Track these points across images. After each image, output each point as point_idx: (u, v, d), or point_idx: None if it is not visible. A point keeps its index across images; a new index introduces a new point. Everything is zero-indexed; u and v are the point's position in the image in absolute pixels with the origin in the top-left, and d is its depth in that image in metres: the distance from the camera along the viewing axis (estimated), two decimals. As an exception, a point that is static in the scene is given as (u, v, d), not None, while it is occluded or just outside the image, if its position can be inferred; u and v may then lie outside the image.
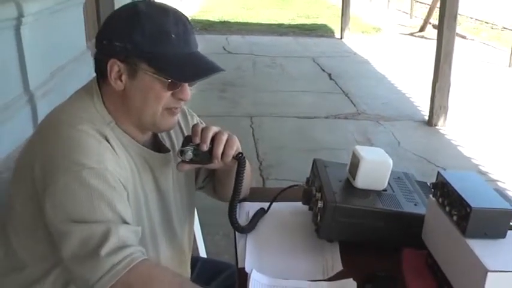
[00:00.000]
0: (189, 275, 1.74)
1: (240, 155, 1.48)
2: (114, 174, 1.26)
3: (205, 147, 1.41)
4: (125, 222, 1.23)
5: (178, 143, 1.56)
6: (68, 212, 1.19)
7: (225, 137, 1.44)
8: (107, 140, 1.31)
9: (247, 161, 1.62)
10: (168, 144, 1.55)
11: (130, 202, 1.33)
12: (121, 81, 1.33)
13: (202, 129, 1.43)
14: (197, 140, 1.41)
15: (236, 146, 1.46)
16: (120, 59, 1.31)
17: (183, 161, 1.42)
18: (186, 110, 1.64)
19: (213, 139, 1.43)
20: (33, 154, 1.30)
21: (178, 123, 1.58)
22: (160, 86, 1.33)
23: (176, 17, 1.34)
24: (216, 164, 1.46)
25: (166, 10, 1.34)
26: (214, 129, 1.44)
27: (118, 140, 1.35)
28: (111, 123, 1.35)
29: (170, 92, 1.35)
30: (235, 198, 1.54)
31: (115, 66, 1.32)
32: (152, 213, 1.46)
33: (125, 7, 1.37)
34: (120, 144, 1.36)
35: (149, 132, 1.48)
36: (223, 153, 1.43)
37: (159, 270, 1.24)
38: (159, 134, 1.53)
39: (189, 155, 1.40)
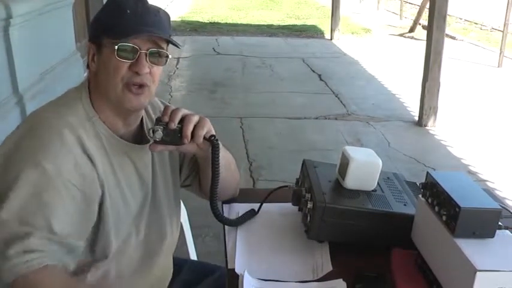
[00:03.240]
0: (171, 264, 1.76)
1: (212, 137, 1.48)
2: (67, 177, 1.30)
3: (173, 125, 1.42)
4: (51, 231, 1.27)
5: None
6: (6, 199, 1.24)
7: (195, 118, 1.46)
8: (80, 139, 1.35)
9: (230, 154, 1.64)
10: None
11: (109, 195, 1.40)
12: (94, 62, 1.42)
13: (173, 110, 1.45)
14: (166, 119, 1.43)
15: (207, 128, 1.47)
16: (92, 40, 1.42)
17: (155, 142, 1.43)
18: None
19: (183, 120, 1.44)
20: (4, 145, 1.35)
21: None
22: (115, 58, 1.37)
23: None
24: (188, 145, 1.46)
25: None
26: (184, 110, 1.46)
27: (98, 135, 1.40)
28: (93, 118, 1.41)
29: (125, 63, 1.38)
30: (214, 183, 1.53)
31: (90, 50, 1.42)
32: (131, 204, 1.50)
33: None
34: (99, 139, 1.40)
35: (132, 124, 1.51)
36: (193, 133, 1.44)
37: (51, 280, 1.27)
38: (144, 128, 1.56)
39: (159, 133, 1.41)
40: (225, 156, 1.59)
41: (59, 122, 1.34)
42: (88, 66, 1.46)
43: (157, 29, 1.41)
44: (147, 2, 1.42)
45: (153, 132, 1.41)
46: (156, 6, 1.44)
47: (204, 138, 1.46)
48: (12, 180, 1.25)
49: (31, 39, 4.75)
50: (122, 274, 1.49)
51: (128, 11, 1.37)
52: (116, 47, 1.36)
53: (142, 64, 1.39)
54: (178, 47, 1.48)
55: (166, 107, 1.47)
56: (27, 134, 1.33)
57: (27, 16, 4.64)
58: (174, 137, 1.43)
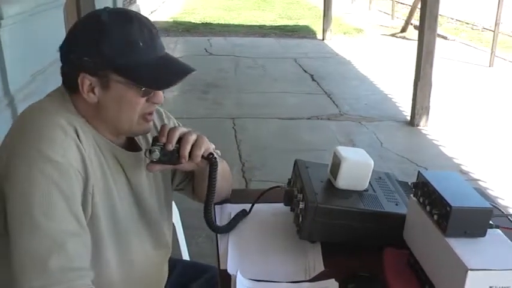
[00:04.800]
0: (167, 271, 1.74)
1: (211, 155, 1.48)
2: (76, 168, 1.27)
3: (171, 146, 1.41)
4: (79, 222, 1.25)
5: None
6: (27, 203, 1.20)
7: (192, 137, 1.45)
8: (76, 132, 1.30)
9: (224, 162, 1.62)
10: (144, 145, 1.55)
11: (98, 196, 1.35)
12: (94, 93, 1.34)
13: (170, 130, 1.44)
14: (163, 140, 1.42)
15: (204, 147, 1.46)
16: (91, 72, 1.31)
17: (152, 161, 1.42)
18: (163, 112, 1.64)
19: (181, 140, 1.44)
20: (3, 145, 1.31)
21: (155, 125, 1.58)
22: (133, 93, 1.34)
23: (141, 23, 1.35)
24: (185, 164, 1.46)
25: (130, 18, 1.35)
26: (182, 129, 1.45)
27: (90, 133, 1.36)
28: (82, 119, 1.36)
29: (144, 99, 1.37)
30: (209, 199, 1.54)
31: (86, 80, 1.32)
32: (126, 207, 1.46)
33: (88, 19, 1.38)
34: (91, 137, 1.36)
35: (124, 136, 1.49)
36: (191, 153, 1.44)
37: None
38: (135, 137, 1.53)
39: (156, 154, 1.40)
40: (221, 167, 1.58)
41: (53, 115, 1.29)
42: (67, 86, 1.38)
43: (164, 49, 1.41)
44: (145, 22, 1.37)
45: (150, 152, 1.40)
46: (147, 19, 1.39)
47: (202, 156, 1.46)
48: (27, 179, 1.21)
49: (22, 40, 4.74)
50: (113, 282, 1.46)
51: (141, 44, 1.32)
52: (143, 89, 1.34)
53: (161, 95, 1.40)
54: (194, 70, 1.43)
55: (163, 126, 1.46)
56: (29, 132, 1.27)
57: (18, 17, 4.63)
58: (171, 157, 1.43)
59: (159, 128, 1.58)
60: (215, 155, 1.49)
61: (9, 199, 1.23)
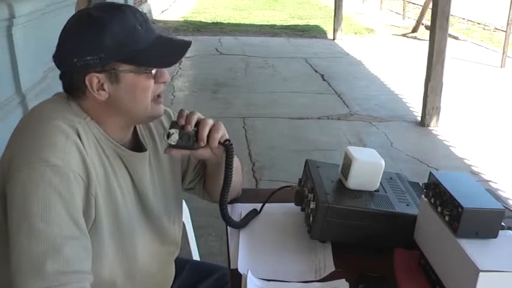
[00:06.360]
0: (174, 270, 1.74)
1: (227, 141, 1.48)
2: (77, 172, 1.26)
3: (190, 127, 1.42)
4: (77, 226, 1.25)
5: (161, 145, 1.56)
6: (26, 206, 1.20)
7: (210, 121, 1.46)
8: (78, 134, 1.30)
9: (237, 159, 1.62)
10: (150, 146, 1.55)
11: (101, 197, 1.34)
12: (104, 90, 1.33)
13: (188, 113, 1.45)
14: (182, 122, 1.43)
15: (222, 131, 1.48)
16: (98, 70, 1.31)
17: (170, 145, 1.43)
18: (171, 113, 1.64)
19: (199, 124, 1.45)
20: (8, 145, 1.32)
21: (164, 126, 1.59)
22: (144, 78, 1.35)
23: (131, 9, 1.36)
24: (202, 149, 1.47)
25: (119, 7, 1.35)
26: (199, 114, 1.47)
27: (92, 135, 1.35)
28: (87, 118, 1.35)
29: (153, 81, 1.37)
30: (225, 187, 1.54)
31: (94, 79, 1.31)
32: (129, 207, 1.46)
33: (78, 21, 1.36)
34: (94, 138, 1.35)
35: (129, 133, 1.49)
36: (208, 136, 1.45)
37: None
38: (140, 137, 1.53)
39: (175, 136, 1.41)
40: (235, 159, 1.58)
41: (57, 119, 1.30)
42: (71, 90, 1.37)
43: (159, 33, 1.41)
44: (133, 7, 1.38)
45: (168, 135, 1.41)
46: (132, 6, 1.41)
47: (219, 142, 1.47)
48: (26, 183, 1.21)
49: (34, 39, 4.75)
50: (117, 282, 1.45)
51: (139, 28, 1.33)
52: (153, 70, 1.35)
53: (166, 73, 1.40)
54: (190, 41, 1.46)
55: (181, 110, 1.46)
56: (29, 136, 1.28)
57: (30, 16, 4.65)
58: (189, 140, 1.43)
59: (166, 127, 1.59)
60: (231, 142, 1.50)
61: (9, 201, 1.23)
